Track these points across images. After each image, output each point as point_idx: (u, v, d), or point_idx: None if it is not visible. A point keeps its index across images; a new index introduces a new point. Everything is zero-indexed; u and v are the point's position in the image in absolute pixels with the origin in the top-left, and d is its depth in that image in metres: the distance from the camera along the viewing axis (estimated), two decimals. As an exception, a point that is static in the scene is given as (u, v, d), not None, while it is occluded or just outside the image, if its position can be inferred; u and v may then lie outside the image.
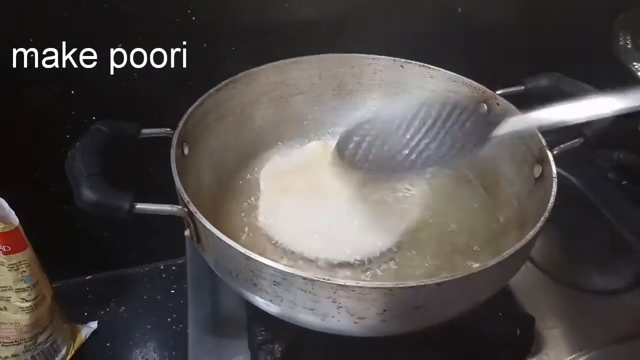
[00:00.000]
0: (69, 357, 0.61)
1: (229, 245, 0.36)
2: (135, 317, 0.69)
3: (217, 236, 0.37)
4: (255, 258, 0.35)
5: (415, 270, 0.46)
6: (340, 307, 0.35)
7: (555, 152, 0.46)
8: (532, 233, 0.38)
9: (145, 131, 0.46)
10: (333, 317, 0.36)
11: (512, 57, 0.66)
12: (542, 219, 0.39)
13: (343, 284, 0.34)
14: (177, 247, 0.65)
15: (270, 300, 0.38)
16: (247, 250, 0.35)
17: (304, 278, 0.34)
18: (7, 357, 0.56)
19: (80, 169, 0.38)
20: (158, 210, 0.38)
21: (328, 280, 0.34)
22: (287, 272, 0.34)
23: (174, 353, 0.63)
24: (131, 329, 0.68)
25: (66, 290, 0.65)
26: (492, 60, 0.65)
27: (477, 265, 0.37)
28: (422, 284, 0.34)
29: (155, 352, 0.64)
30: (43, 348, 0.58)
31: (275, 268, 0.35)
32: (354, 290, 0.34)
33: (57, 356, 0.60)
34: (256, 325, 0.47)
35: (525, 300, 0.52)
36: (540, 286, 0.55)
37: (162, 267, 0.75)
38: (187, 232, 0.40)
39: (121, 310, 0.70)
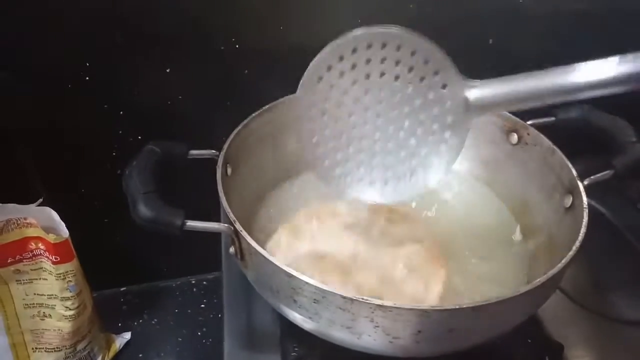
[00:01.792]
0: (104, 365, 0.64)
1: (272, 262, 0.38)
2: (166, 330, 0.72)
3: (261, 254, 0.39)
4: (298, 276, 0.37)
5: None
6: (377, 326, 0.37)
7: (585, 183, 0.47)
8: (563, 262, 0.39)
9: (194, 152, 0.48)
10: (369, 335, 0.38)
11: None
12: (574, 248, 0.40)
13: (381, 304, 0.35)
14: (208, 262, 0.67)
15: (310, 318, 0.39)
16: (289, 269, 0.37)
17: (344, 297, 0.36)
18: (48, 362, 0.58)
19: (137, 186, 0.40)
20: (207, 228, 0.40)
21: (367, 300, 0.35)
22: (327, 290, 0.36)
23: (203, 366, 0.65)
24: (162, 341, 0.71)
25: (102, 301, 0.68)
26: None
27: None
28: (458, 307, 0.35)
29: (185, 364, 0.66)
30: (81, 355, 0.60)
31: (317, 286, 0.36)
32: (391, 311, 0.35)
33: (93, 364, 0.62)
34: (289, 341, 0.49)
35: (554, 328, 0.52)
36: (570, 314, 0.56)
37: (193, 282, 0.78)
38: (232, 250, 0.42)
39: (153, 322, 0.73)
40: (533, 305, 0.41)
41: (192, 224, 0.40)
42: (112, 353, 0.66)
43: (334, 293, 0.36)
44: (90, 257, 0.59)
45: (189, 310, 0.75)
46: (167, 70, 0.59)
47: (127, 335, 0.70)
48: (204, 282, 0.77)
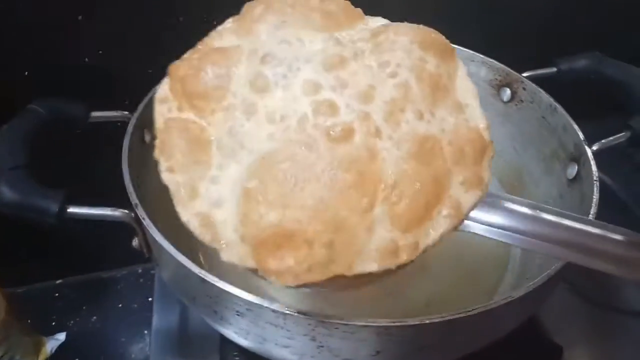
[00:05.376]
0: (30, 374, 0.55)
1: (182, 264, 0.28)
2: (108, 328, 0.63)
3: (167, 252, 0.29)
4: (211, 281, 0.27)
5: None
6: (322, 346, 0.28)
7: (594, 149, 0.38)
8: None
9: (97, 114, 0.38)
10: (313, 357, 0.28)
11: (543, 33, 0.57)
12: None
13: (323, 320, 0.26)
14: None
15: (236, 333, 0.30)
16: (201, 271, 0.28)
17: (274, 311, 0.26)
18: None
19: (2, 159, 0.31)
20: (95, 214, 0.31)
21: (304, 314, 0.26)
22: (251, 301, 0.27)
23: (150, 370, 0.57)
24: (104, 341, 0.62)
25: (32, 297, 0.60)
26: (519, 37, 0.56)
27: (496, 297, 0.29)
28: (428, 321, 0.26)
29: (129, 368, 0.58)
30: (-4, 366, 0.51)
31: (236, 296, 0.27)
32: (337, 328, 0.26)
33: (16, 374, 0.54)
34: (230, 348, 0.42)
35: (551, 325, 0.44)
36: (569, 307, 0.48)
37: (140, 271, 0.68)
38: (135, 242, 0.32)
39: (93, 319, 0.64)
40: (526, 310, 0.32)
41: (75, 210, 0.30)
42: (41, 358, 0.57)
43: (261, 305, 0.26)
44: (11, 245, 0.49)
45: (135, 305, 0.65)
46: (79, 18, 0.48)
47: (62, 337, 0.60)
48: (152, 272, 0.68)
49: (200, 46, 0.31)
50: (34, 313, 0.57)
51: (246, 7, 0.32)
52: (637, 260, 0.28)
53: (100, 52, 0.50)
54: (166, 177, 0.26)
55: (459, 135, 0.27)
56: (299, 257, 0.23)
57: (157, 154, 0.27)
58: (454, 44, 0.46)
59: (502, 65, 0.46)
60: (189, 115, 0.28)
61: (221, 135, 0.26)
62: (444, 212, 0.25)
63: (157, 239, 0.30)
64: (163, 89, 0.29)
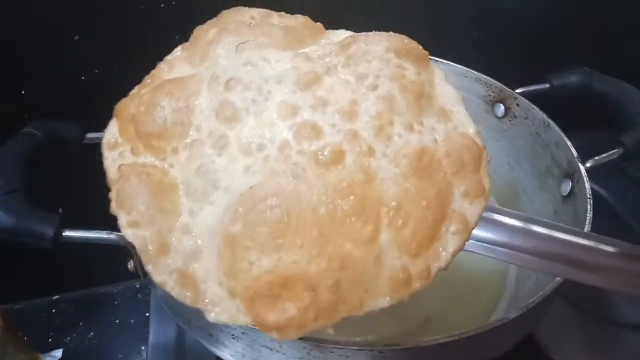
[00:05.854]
0: (25, 393, 0.55)
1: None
2: (105, 344, 0.62)
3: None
4: (206, 305, 0.27)
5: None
6: (317, 369, 0.27)
7: (588, 166, 0.38)
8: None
9: (91, 136, 0.38)
10: (309, 380, 0.28)
11: (536, 50, 0.58)
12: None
13: (319, 344, 0.26)
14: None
15: (231, 355, 0.30)
16: (197, 296, 0.27)
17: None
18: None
19: (-3, 184, 0.31)
20: (91, 238, 0.31)
21: (299, 338, 0.26)
22: (246, 326, 0.26)
23: (147, 387, 0.56)
24: (100, 358, 0.61)
25: (30, 313, 0.59)
26: (512, 54, 0.56)
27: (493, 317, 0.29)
28: (423, 345, 0.26)
29: (126, 386, 0.57)
30: (-7, 384, 0.51)
31: (232, 320, 0.27)
32: (332, 352, 0.26)
33: (10, 393, 0.53)
34: None
35: (548, 339, 0.43)
36: (566, 320, 0.47)
37: (137, 286, 0.68)
38: (130, 265, 0.32)
39: (90, 335, 0.63)
40: (522, 330, 0.32)
41: (71, 234, 0.30)
42: (38, 375, 0.57)
43: (256, 329, 0.26)
44: (9, 260, 0.49)
45: (132, 321, 0.65)
46: (76, 38, 0.48)
47: (58, 354, 0.60)
48: (150, 287, 0.67)
49: (148, 80, 0.27)
50: (31, 329, 0.56)
51: (196, 31, 0.28)
52: (630, 272, 0.27)
53: (97, 71, 0.50)
54: (129, 233, 0.23)
55: (453, 143, 0.25)
56: (302, 306, 0.20)
57: (114, 207, 0.24)
58: (447, 60, 0.47)
59: (495, 82, 0.46)
60: (146, 158, 0.24)
61: (188, 176, 0.23)
62: (452, 228, 0.23)
63: (152, 261, 0.30)
64: (111, 133, 0.26)
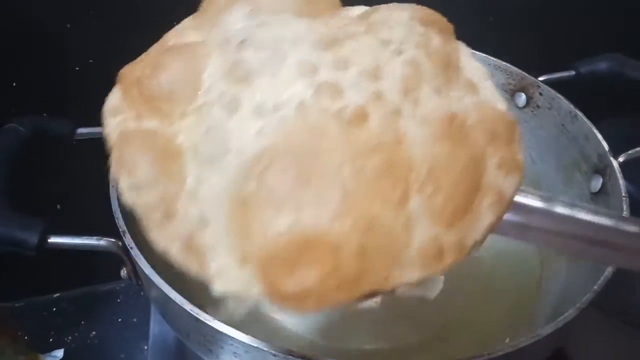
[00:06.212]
0: (25, 396, 0.54)
1: (175, 301, 0.26)
2: (107, 344, 0.61)
3: (156, 285, 0.27)
4: (205, 320, 0.25)
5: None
6: (328, 390, 0.25)
7: (621, 160, 0.35)
8: (600, 282, 0.27)
9: (83, 131, 0.36)
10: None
11: (560, 34, 0.54)
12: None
13: (328, 365, 0.23)
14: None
15: (234, 372, 0.28)
16: (193, 308, 0.25)
17: (275, 354, 0.24)
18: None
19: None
20: (79, 244, 0.29)
21: (307, 358, 0.23)
22: (250, 344, 0.24)
23: (149, 388, 0.55)
24: (102, 357, 0.60)
25: (31, 311, 0.58)
26: (534, 39, 0.53)
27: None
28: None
29: (128, 386, 0.56)
30: (-8, 387, 0.50)
31: (233, 337, 0.24)
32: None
33: (9, 396, 0.52)
34: None
35: (574, 348, 0.41)
36: (593, 326, 0.44)
37: (140, 283, 0.66)
38: (123, 273, 0.30)
39: (92, 335, 0.62)
40: (554, 344, 0.29)
41: (57, 240, 0.28)
42: (38, 377, 0.56)
43: (259, 348, 0.24)
44: (8, 258, 0.48)
45: (135, 319, 0.63)
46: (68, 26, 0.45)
47: (59, 354, 0.59)
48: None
49: (156, 46, 0.25)
50: (32, 328, 0.56)
51: (205, 2, 0.27)
52: None
53: (91, 61, 0.48)
54: (131, 197, 0.21)
55: (485, 112, 0.23)
56: (324, 271, 0.18)
57: (114, 171, 0.21)
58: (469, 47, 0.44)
59: (516, 69, 0.44)
60: (151, 123, 0.22)
61: (196, 140, 0.21)
62: (487, 200, 0.21)
63: (146, 271, 0.27)
64: (114, 98, 0.24)
